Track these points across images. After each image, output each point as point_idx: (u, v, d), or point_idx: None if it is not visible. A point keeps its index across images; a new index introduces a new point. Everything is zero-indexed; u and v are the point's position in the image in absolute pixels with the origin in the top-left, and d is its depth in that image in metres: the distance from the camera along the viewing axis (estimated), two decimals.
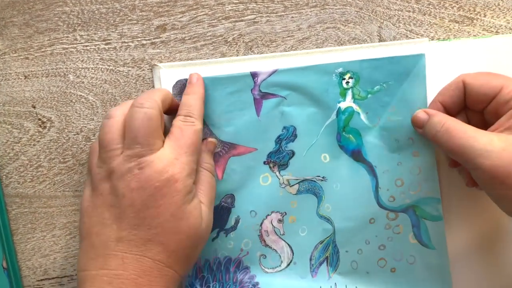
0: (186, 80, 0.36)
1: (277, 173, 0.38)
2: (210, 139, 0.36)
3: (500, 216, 0.37)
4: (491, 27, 0.38)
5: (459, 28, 0.38)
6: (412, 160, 0.37)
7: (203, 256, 0.38)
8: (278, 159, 0.37)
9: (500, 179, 0.29)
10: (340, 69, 0.37)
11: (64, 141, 0.38)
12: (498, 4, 0.38)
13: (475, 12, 0.38)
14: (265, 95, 0.37)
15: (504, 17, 0.38)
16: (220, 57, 0.38)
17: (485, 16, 0.38)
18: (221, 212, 0.37)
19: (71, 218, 0.38)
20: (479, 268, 0.38)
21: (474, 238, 0.38)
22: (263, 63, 0.37)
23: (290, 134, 0.37)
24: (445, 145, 0.32)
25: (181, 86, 0.37)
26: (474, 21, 0.38)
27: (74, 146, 0.38)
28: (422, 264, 0.37)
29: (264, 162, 0.37)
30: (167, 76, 0.37)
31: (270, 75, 0.37)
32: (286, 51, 0.38)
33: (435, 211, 0.37)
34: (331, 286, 0.38)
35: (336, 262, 0.38)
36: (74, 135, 0.38)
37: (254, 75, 0.37)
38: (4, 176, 0.38)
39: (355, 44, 0.38)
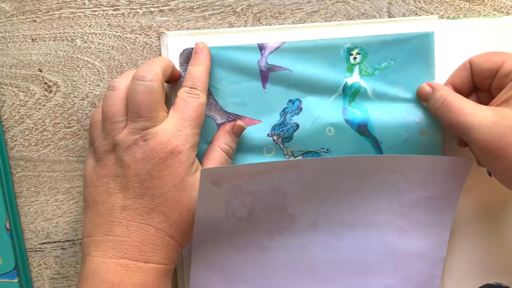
0: (193, 49, 0.36)
1: (281, 145, 0.38)
2: (239, 122, 0.36)
3: (496, 198, 0.38)
4: (501, 7, 0.38)
5: (469, 7, 0.38)
6: (419, 138, 0.37)
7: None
8: (282, 131, 0.37)
9: (491, 152, 0.31)
10: (348, 44, 0.37)
11: (70, 106, 0.38)
12: None
13: None
14: (272, 68, 0.37)
15: None
16: (228, 27, 0.37)
17: None
18: None
19: (74, 183, 0.39)
20: (475, 249, 0.39)
21: (475, 210, 0.39)
22: (271, 35, 0.37)
23: (295, 107, 0.37)
24: (444, 120, 0.33)
25: (188, 55, 0.36)
26: (485, 0, 0.38)
27: (80, 112, 0.38)
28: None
29: (268, 135, 0.37)
30: (175, 44, 0.37)
31: (277, 47, 0.37)
32: (295, 23, 0.38)
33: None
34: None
35: None
36: (80, 100, 0.38)
37: (261, 47, 0.37)
38: (9, 139, 0.38)
39: (364, 19, 0.37)
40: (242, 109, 0.37)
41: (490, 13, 0.38)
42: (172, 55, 0.37)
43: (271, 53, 0.37)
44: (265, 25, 0.38)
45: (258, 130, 0.37)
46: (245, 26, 0.38)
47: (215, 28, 0.37)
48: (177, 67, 0.36)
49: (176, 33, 0.37)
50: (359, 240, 0.37)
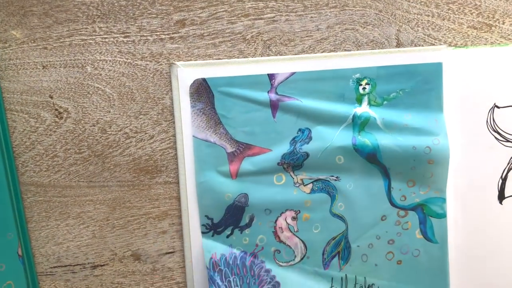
0: (202, 79, 0.37)
1: (291, 173, 0.38)
2: None
3: (505, 224, 0.39)
4: (509, 35, 0.38)
5: (477, 34, 0.38)
6: (426, 166, 0.37)
7: (218, 251, 0.38)
8: (293, 160, 0.38)
9: None
10: (358, 75, 0.37)
11: (80, 132, 0.38)
12: None
13: (494, 19, 0.38)
14: (282, 98, 0.37)
15: None
16: (238, 54, 0.38)
17: (503, 23, 0.38)
18: (235, 211, 0.38)
19: (85, 208, 0.39)
20: (479, 273, 0.40)
21: (478, 244, 0.39)
22: (281, 65, 0.37)
23: (305, 136, 0.38)
24: None
25: (198, 85, 0.37)
26: (493, 28, 0.38)
27: (90, 138, 0.38)
28: (425, 256, 0.39)
29: (278, 164, 0.38)
30: (185, 74, 0.37)
31: (287, 77, 0.37)
32: (304, 50, 0.38)
33: (440, 209, 0.39)
34: (341, 277, 0.39)
35: (347, 256, 0.39)
36: (91, 126, 0.38)
37: (271, 77, 0.37)
38: (20, 165, 0.39)
39: (372, 46, 0.38)
40: (252, 138, 0.38)
41: (498, 40, 0.38)
42: (182, 85, 0.37)
43: (280, 83, 0.37)
44: (275, 52, 0.38)
45: (268, 159, 0.38)
46: (255, 53, 0.38)
47: (225, 56, 0.38)
48: (187, 97, 0.37)
49: (187, 64, 0.37)
50: None
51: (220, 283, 0.38)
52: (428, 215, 0.39)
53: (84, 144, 0.39)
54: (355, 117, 0.37)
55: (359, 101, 0.37)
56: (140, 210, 0.39)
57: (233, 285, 0.38)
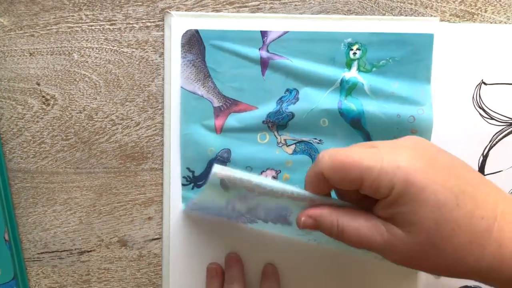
0: (195, 30, 0.37)
1: (275, 132, 0.38)
2: None
3: None
4: (491, 23, 0.38)
5: (459, 22, 0.38)
6: (409, 135, 0.37)
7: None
8: (278, 119, 0.38)
9: (409, 265, 0.27)
10: (349, 39, 0.37)
11: (67, 118, 0.39)
12: (499, 0, 0.38)
13: (476, 7, 0.38)
14: (272, 56, 0.37)
15: (505, 13, 0.38)
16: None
17: (485, 11, 0.38)
18: None
19: (71, 194, 0.39)
20: None
21: None
22: (274, 23, 0.37)
23: (292, 96, 0.38)
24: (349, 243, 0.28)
25: (190, 36, 0.37)
26: (475, 16, 0.38)
27: (77, 124, 0.39)
28: None
29: (263, 122, 0.38)
30: (178, 24, 0.37)
31: (279, 36, 0.37)
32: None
33: None
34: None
35: None
36: (77, 113, 0.39)
37: (263, 34, 0.37)
38: (7, 151, 0.39)
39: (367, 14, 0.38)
40: (239, 94, 0.38)
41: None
42: (174, 35, 0.37)
43: (272, 41, 0.37)
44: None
45: (254, 117, 0.38)
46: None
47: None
48: (179, 47, 0.37)
49: (181, 14, 0.37)
50: None
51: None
52: None
53: (71, 130, 0.39)
54: (343, 81, 0.38)
55: (348, 65, 0.38)
56: (126, 197, 0.40)
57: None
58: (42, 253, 0.40)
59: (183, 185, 0.39)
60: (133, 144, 0.39)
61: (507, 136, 0.38)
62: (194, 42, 0.37)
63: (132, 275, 0.40)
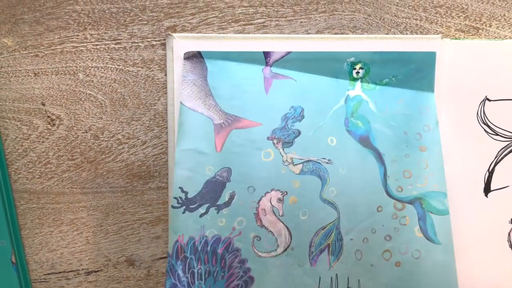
0: (196, 52, 0.36)
1: (281, 150, 0.37)
2: None
3: (490, 217, 0.39)
4: (495, 38, 0.39)
5: (464, 37, 0.39)
6: (419, 154, 0.37)
7: (186, 233, 0.35)
8: (284, 136, 0.37)
9: None
10: (352, 59, 0.37)
11: (73, 138, 0.38)
12: (504, 15, 0.38)
13: (481, 22, 0.38)
14: (276, 75, 0.37)
15: (509, 28, 0.38)
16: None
17: (490, 26, 0.38)
18: (214, 187, 0.36)
19: (78, 215, 0.39)
20: (464, 267, 0.38)
21: (462, 237, 0.38)
22: (277, 44, 0.37)
23: (297, 114, 0.37)
24: None
25: (192, 57, 0.37)
26: (480, 31, 0.38)
27: (83, 144, 0.39)
28: (427, 259, 0.36)
29: (268, 138, 0.37)
30: (180, 46, 0.37)
31: (282, 56, 0.37)
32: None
33: (441, 205, 0.37)
34: (331, 277, 0.36)
35: (338, 251, 0.36)
36: (83, 133, 0.38)
37: (266, 54, 0.37)
38: (13, 172, 0.39)
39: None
40: (242, 111, 0.37)
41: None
42: (177, 56, 0.37)
43: (276, 61, 0.37)
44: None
45: (258, 133, 0.37)
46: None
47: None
48: (181, 68, 0.37)
49: (183, 36, 0.37)
50: None
51: (181, 274, 0.34)
52: (428, 210, 0.37)
53: (77, 150, 0.39)
54: (348, 100, 0.37)
55: (352, 84, 0.38)
56: (133, 216, 0.39)
57: (196, 279, 0.34)
58: (48, 274, 0.40)
59: (173, 207, 0.36)
60: (140, 163, 0.39)
61: None
62: (196, 62, 0.37)
63: None
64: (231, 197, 0.36)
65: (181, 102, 0.37)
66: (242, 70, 0.37)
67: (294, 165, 0.37)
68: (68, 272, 0.40)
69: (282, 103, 0.37)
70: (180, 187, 0.36)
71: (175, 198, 0.35)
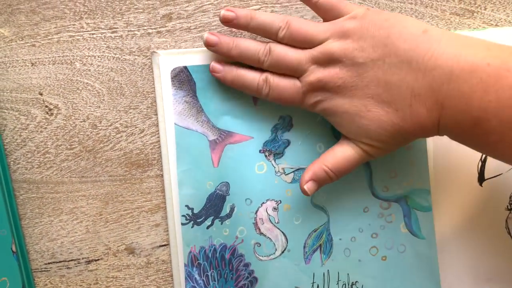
0: (183, 67, 0.37)
1: (273, 161, 0.38)
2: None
3: (486, 206, 0.39)
4: (490, 20, 0.39)
5: (459, 20, 0.39)
6: (405, 152, 0.38)
7: (197, 244, 0.38)
8: (274, 148, 0.38)
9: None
10: None
11: (71, 128, 0.39)
12: None
13: (476, 5, 0.38)
14: None
15: (504, 11, 0.38)
16: None
17: (485, 9, 0.38)
18: (216, 200, 0.38)
19: (77, 204, 0.39)
20: (465, 257, 0.39)
21: (460, 228, 0.39)
22: None
23: (286, 123, 0.38)
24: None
25: (179, 73, 0.37)
26: (475, 14, 0.39)
27: (81, 133, 0.39)
28: (411, 252, 0.38)
29: (260, 151, 0.38)
30: (166, 63, 0.37)
31: None
32: None
33: (425, 201, 0.38)
34: (323, 273, 0.39)
35: (329, 250, 0.39)
36: (81, 122, 0.39)
37: None
38: (12, 162, 0.39)
39: None
40: (233, 125, 0.38)
41: (480, 26, 0.39)
42: (164, 74, 0.37)
43: None
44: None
45: (250, 146, 0.38)
46: None
47: None
48: (169, 85, 0.37)
49: (168, 52, 0.37)
50: None
51: (198, 278, 0.38)
52: (412, 207, 0.38)
53: (75, 139, 0.39)
54: None
55: None
56: (132, 204, 0.39)
57: (210, 280, 0.38)
58: (49, 263, 0.40)
59: (182, 224, 0.38)
60: (138, 151, 0.39)
61: None
62: (184, 78, 0.37)
63: (141, 282, 0.40)
64: (232, 209, 0.38)
65: (175, 123, 0.38)
66: None
67: (286, 174, 0.38)
68: (68, 261, 0.40)
69: (271, 113, 0.38)
70: (186, 205, 0.38)
71: (183, 216, 0.38)
